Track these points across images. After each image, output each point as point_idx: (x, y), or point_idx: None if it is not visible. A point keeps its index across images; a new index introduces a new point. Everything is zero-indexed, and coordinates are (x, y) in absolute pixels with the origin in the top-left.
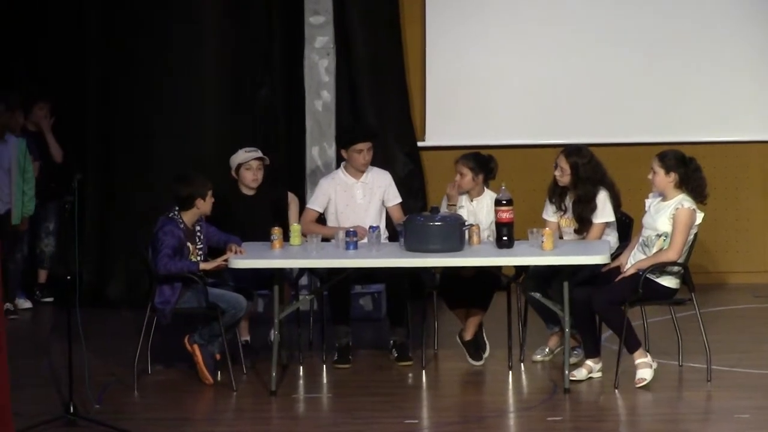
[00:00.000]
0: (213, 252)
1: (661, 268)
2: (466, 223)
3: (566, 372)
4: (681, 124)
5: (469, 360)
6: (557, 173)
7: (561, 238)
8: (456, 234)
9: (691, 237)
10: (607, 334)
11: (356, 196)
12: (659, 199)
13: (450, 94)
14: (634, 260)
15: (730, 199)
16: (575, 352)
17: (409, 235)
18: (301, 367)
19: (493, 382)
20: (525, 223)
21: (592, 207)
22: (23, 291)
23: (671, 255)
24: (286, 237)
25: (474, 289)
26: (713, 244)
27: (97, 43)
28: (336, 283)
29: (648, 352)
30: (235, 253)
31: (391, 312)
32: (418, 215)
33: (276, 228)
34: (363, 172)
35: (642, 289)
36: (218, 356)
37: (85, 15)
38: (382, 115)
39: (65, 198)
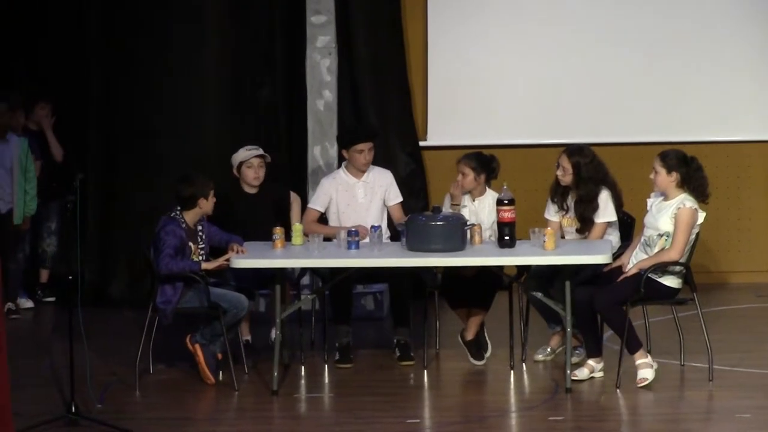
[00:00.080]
0: (215, 252)
1: (662, 268)
2: (468, 223)
3: (568, 372)
4: (681, 124)
5: (471, 360)
6: (559, 173)
7: (563, 237)
8: (458, 234)
9: (693, 236)
10: (608, 333)
11: (357, 196)
12: (661, 198)
13: (451, 93)
14: (635, 260)
15: (732, 199)
16: (577, 351)
17: (410, 234)
18: (303, 367)
19: (494, 382)
20: (527, 222)
21: (594, 207)
22: (25, 291)
23: (673, 255)
24: (288, 236)
25: (476, 288)
26: (715, 243)
27: (97, 43)
28: (337, 283)
29: (650, 352)
30: (237, 252)
31: (394, 312)
32: (419, 215)
33: (278, 228)
34: (364, 171)
35: (644, 288)
36: (220, 356)
37: (85, 15)
38: (384, 114)
39: (67, 198)
